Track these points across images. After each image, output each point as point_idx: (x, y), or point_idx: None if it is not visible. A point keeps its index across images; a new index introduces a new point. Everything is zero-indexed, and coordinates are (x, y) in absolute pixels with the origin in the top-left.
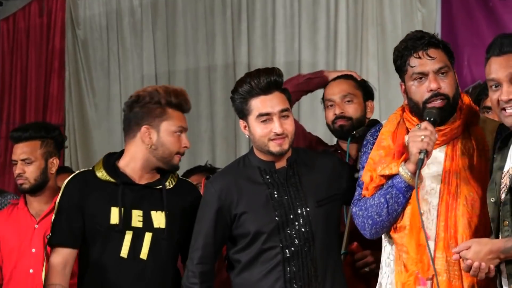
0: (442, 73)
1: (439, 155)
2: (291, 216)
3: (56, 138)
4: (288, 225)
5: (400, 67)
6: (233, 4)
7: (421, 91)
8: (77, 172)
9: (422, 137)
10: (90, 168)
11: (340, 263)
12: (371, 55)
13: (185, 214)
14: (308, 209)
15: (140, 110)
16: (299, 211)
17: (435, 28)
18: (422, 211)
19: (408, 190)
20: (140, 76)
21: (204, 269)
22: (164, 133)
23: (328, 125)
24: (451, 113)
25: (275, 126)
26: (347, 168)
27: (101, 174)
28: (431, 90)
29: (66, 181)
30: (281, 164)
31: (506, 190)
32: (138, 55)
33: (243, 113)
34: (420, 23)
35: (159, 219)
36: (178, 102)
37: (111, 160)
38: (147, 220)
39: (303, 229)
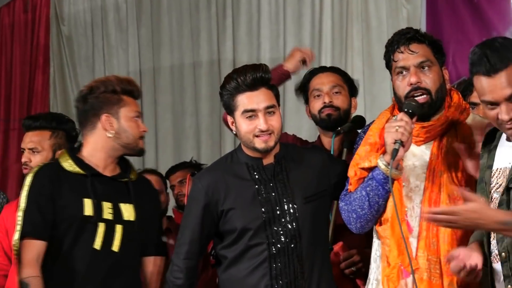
0: (424, 67)
1: (424, 152)
2: (278, 213)
3: (69, 131)
4: (275, 221)
5: (387, 63)
6: (217, 0)
7: (402, 85)
8: (43, 164)
9: (397, 127)
10: (53, 161)
11: (328, 259)
12: (356, 51)
13: (150, 208)
14: (295, 205)
15: (97, 101)
16: (286, 208)
17: (420, 24)
18: (406, 208)
19: (387, 182)
20: (125, 72)
21: (190, 265)
22: (123, 119)
23: (314, 115)
24: (435, 109)
25: (260, 123)
26: (337, 163)
27: (69, 165)
28: (411, 84)
29: (33, 172)
30: (268, 160)
31: (501, 190)
32: (123, 51)
33: (230, 109)
34: (405, 20)
35: (128, 211)
36: (131, 89)
37: (74, 154)
38: (117, 212)
39: (290, 226)
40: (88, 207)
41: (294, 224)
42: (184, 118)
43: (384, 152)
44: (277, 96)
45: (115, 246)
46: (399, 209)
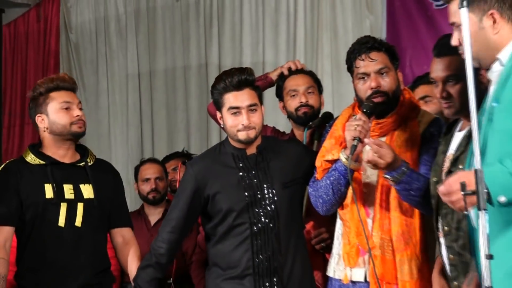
0: (382, 73)
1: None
2: (259, 197)
3: None
4: (256, 204)
5: (350, 68)
6: (205, 11)
7: (364, 89)
8: (7, 161)
9: (355, 126)
10: (18, 157)
11: (303, 237)
12: (325, 56)
13: (109, 187)
14: (274, 190)
15: (32, 105)
16: (266, 192)
17: (381, 33)
18: (364, 192)
19: (347, 172)
20: (125, 74)
21: (172, 238)
22: (51, 113)
23: (290, 112)
24: (391, 108)
25: (243, 119)
26: (311, 154)
27: (31, 158)
28: (371, 88)
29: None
30: (251, 150)
31: (446, 172)
32: (123, 55)
33: (218, 106)
34: (368, 28)
35: (88, 190)
36: (55, 84)
37: (36, 148)
38: (78, 192)
39: (269, 208)
40: (48, 191)
41: (273, 206)
42: (176, 113)
43: (345, 147)
44: (259, 96)
45: (78, 222)
46: (358, 195)
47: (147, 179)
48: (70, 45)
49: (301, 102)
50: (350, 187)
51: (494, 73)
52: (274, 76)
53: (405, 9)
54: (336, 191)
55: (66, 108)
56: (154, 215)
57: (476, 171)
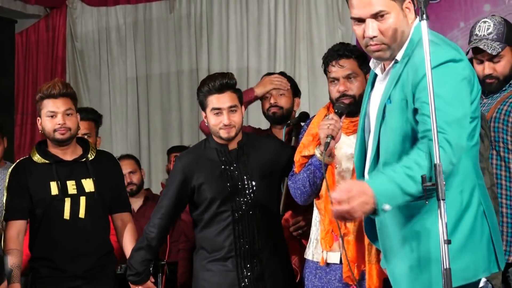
0: (350, 78)
1: (353, 140)
2: (240, 187)
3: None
4: (237, 194)
5: (325, 71)
6: (196, 23)
7: (334, 92)
8: (18, 160)
9: (328, 125)
10: (27, 156)
11: (280, 224)
12: (302, 62)
13: (109, 178)
14: (253, 182)
15: (36, 108)
16: (246, 183)
17: (351, 41)
18: (338, 185)
19: (322, 166)
20: (124, 78)
21: (162, 223)
22: (43, 119)
23: (263, 112)
24: (359, 107)
25: (224, 119)
26: (287, 148)
27: (37, 158)
28: (339, 91)
29: (10, 168)
30: (233, 146)
31: None
32: (123, 61)
33: (203, 106)
34: (340, 38)
35: (89, 184)
36: (47, 93)
37: (43, 147)
38: (80, 187)
39: (249, 197)
40: (53, 188)
41: (252, 195)
42: (170, 113)
43: (319, 144)
44: (240, 98)
45: (81, 214)
46: (331, 186)
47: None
48: (76, 52)
49: (271, 103)
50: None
51: (380, 71)
52: (259, 92)
53: None
54: (312, 183)
55: (52, 116)
56: (135, 203)
57: (435, 165)
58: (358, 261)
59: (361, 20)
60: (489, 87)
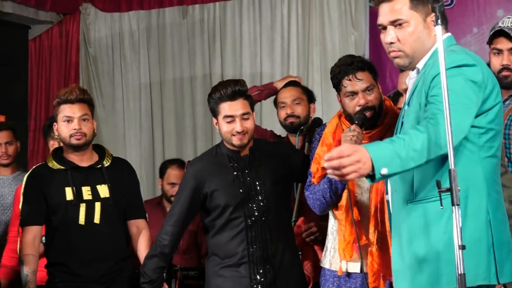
0: (369, 90)
1: None
2: (252, 193)
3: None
4: (250, 200)
5: (336, 85)
6: (209, 28)
7: (352, 105)
8: (34, 167)
9: (351, 136)
10: (43, 163)
11: (291, 229)
12: (315, 68)
13: (124, 184)
14: (265, 187)
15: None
16: (259, 189)
17: (364, 47)
18: (356, 194)
19: None
20: (138, 83)
21: (175, 230)
22: (59, 124)
23: (280, 122)
24: (378, 119)
25: (237, 126)
26: (297, 154)
27: (53, 164)
28: (360, 105)
29: (27, 174)
30: (245, 152)
31: None
32: (136, 67)
33: (214, 113)
34: (353, 43)
35: (104, 190)
36: (64, 98)
37: (59, 153)
38: (95, 192)
39: (261, 203)
40: (68, 193)
41: (264, 201)
42: (184, 119)
43: None
44: (251, 105)
45: (96, 219)
46: (352, 197)
47: (173, 184)
48: (89, 58)
49: (287, 113)
50: (347, 191)
51: (411, 80)
52: (279, 85)
53: None
54: (333, 194)
55: (68, 121)
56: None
57: (450, 170)
58: (383, 271)
59: (384, 28)
60: (505, 80)
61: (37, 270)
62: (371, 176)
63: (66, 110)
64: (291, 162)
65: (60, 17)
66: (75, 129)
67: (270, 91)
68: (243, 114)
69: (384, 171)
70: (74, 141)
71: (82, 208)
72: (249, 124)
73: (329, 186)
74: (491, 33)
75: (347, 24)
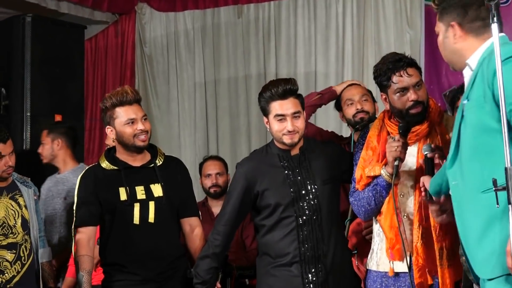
0: (418, 86)
1: (413, 149)
2: (303, 192)
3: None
4: (300, 199)
5: (382, 82)
6: (264, 27)
7: (403, 101)
8: (87, 167)
9: (396, 147)
10: (96, 163)
11: (341, 228)
12: (370, 67)
13: (177, 183)
14: (316, 186)
15: (102, 116)
16: (309, 188)
17: (420, 45)
18: (402, 194)
19: (389, 187)
20: (193, 83)
21: (226, 230)
22: (118, 127)
23: (348, 119)
24: (425, 115)
25: (288, 125)
26: (347, 154)
27: (106, 165)
28: (412, 100)
29: (80, 176)
30: (295, 151)
31: None
32: (191, 67)
33: (265, 112)
34: (408, 42)
35: (157, 190)
36: (119, 100)
37: (111, 153)
38: (149, 192)
39: (312, 202)
40: (122, 194)
41: (315, 200)
42: (238, 118)
43: (385, 164)
44: (302, 104)
45: (151, 218)
46: (396, 202)
47: (209, 175)
48: (145, 58)
49: (357, 109)
50: (389, 197)
51: (466, 77)
52: (339, 89)
53: None
54: (377, 202)
55: (131, 123)
56: (216, 206)
57: (506, 169)
58: (429, 266)
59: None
60: None
61: (92, 271)
62: None
63: (128, 112)
64: (341, 162)
65: (115, 17)
66: (140, 129)
67: (330, 95)
68: (294, 113)
69: None
70: (139, 142)
71: (136, 207)
72: (300, 123)
73: (373, 195)
74: None
75: (402, 22)
